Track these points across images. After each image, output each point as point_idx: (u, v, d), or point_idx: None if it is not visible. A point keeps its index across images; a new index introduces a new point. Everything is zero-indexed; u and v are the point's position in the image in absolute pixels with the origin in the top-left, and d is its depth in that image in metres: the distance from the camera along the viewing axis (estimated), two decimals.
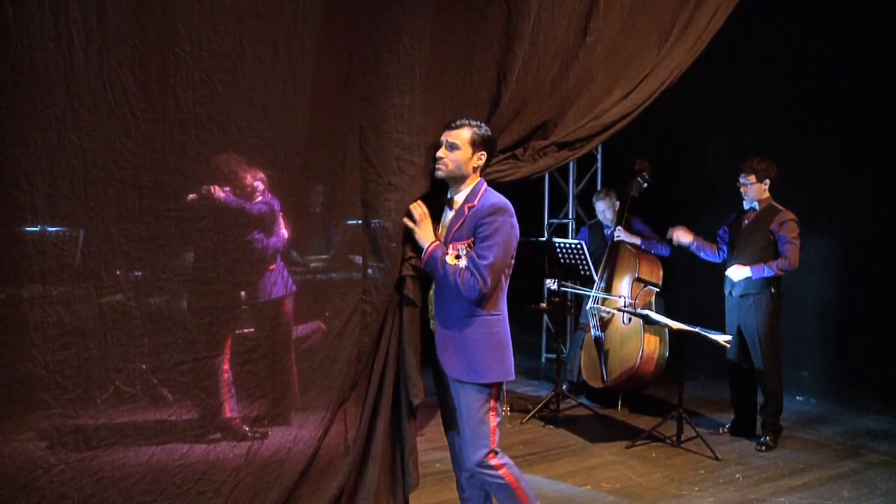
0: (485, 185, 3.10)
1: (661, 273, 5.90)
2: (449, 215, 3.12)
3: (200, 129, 2.57)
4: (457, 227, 3.02)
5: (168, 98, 2.50)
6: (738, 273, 5.11)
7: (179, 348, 2.68)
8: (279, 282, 4.80)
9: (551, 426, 5.54)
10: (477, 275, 2.91)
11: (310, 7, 2.78)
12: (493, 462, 3.01)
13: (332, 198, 3.07)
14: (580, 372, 6.16)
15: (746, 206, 5.23)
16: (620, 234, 6.01)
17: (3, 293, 2.34)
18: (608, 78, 3.54)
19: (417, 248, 3.08)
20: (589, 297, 6.07)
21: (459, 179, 3.06)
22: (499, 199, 3.03)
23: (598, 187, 7.20)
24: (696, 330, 4.87)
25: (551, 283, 6.08)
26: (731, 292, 5.22)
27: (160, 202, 2.55)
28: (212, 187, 3.83)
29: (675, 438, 5.12)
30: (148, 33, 2.45)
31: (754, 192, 5.14)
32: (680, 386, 5.12)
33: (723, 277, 5.28)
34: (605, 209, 6.24)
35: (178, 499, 2.66)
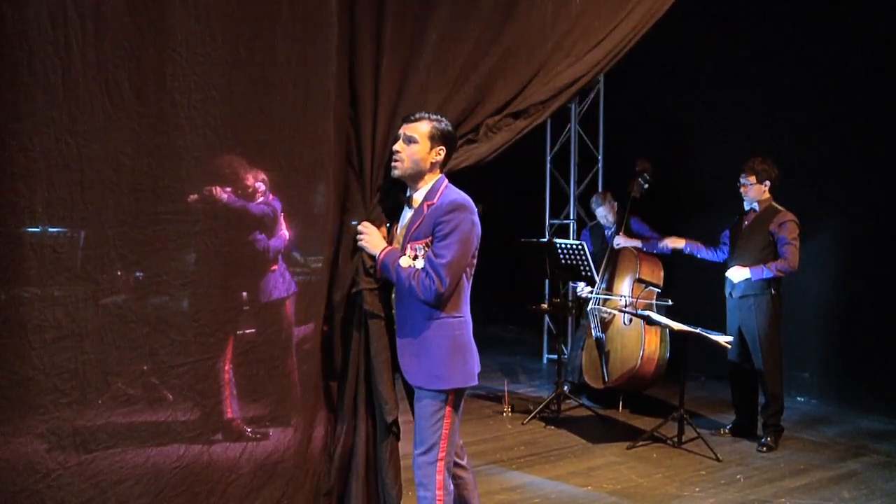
0: (445, 181, 2.97)
1: (661, 274, 5.88)
2: (408, 214, 2.99)
3: (195, 134, 2.54)
4: (415, 226, 2.89)
5: (164, 102, 2.48)
6: (737, 274, 5.09)
7: (180, 349, 2.65)
8: (280, 283, 4.79)
9: (552, 427, 5.53)
10: (433, 275, 2.78)
11: (309, 10, 2.76)
12: (438, 478, 2.87)
13: (334, 199, 3.03)
14: (581, 373, 6.14)
15: (746, 206, 5.22)
16: (620, 243, 5.98)
17: (4, 294, 2.32)
18: (562, 41, 3.33)
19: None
20: (590, 297, 6.04)
21: (417, 176, 2.93)
22: (459, 195, 2.90)
23: (600, 188, 7.17)
24: (697, 331, 4.85)
25: (579, 289, 6.05)
26: (731, 293, 5.20)
27: (158, 205, 2.53)
28: (213, 188, 3.83)
29: (676, 439, 5.10)
30: (145, 37, 2.43)
31: (754, 192, 5.12)
32: (681, 387, 5.10)
33: (723, 278, 5.26)
34: (605, 213, 6.21)
35: (175, 500, 2.64)
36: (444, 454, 2.89)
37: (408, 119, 2.92)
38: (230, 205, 3.85)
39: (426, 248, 2.84)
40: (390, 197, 3.03)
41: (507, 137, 3.23)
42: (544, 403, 5.79)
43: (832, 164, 6.02)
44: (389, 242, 3.01)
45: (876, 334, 5.82)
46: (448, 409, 2.89)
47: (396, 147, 2.90)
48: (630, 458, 4.88)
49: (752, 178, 5.09)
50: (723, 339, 4.78)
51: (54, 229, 2.41)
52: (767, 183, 5.09)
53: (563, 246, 5.80)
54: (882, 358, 5.77)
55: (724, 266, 5.27)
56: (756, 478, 4.55)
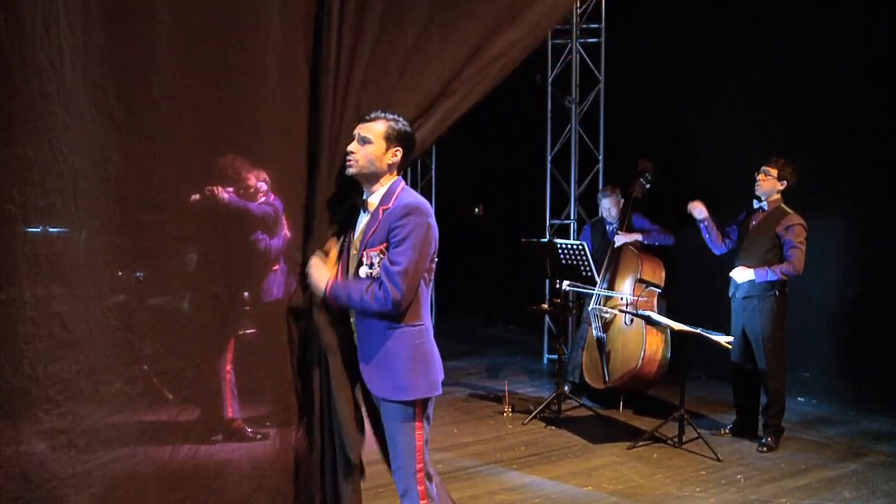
0: (401, 184, 2.88)
1: (663, 274, 5.88)
2: (364, 219, 2.90)
3: (179, 142, 2.55)
4: (371, 231, 2.81)
5: (151, 111, 2.48)
6: (741, 275, 5.08)
7: (182, 350, 2.65)
8: (282, 283, 4.80)
9: (553, 427, 5.52)
10: (388, 283, 2.70)
11: (298, 16, 2.75)
12: (420, 488, 2.85)
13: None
14: (582, 373, 6.14)
15: (756, 204, 5.19)
16: (620, 240, 6.00)
17: (4, 294, 2.31)
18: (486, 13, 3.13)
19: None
20: (591, 297, 6.05)
21: (372, 178, 2.84)
22: (414, 198, 2.82)
23: (600, 187, 7.17)
24: (698, 331, 4.85)
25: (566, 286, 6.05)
26: (734, 294, 5.19)
27: (151, 213, 2.53)
28: (215, 188, 3.82)
29: (676, 439, 5.10)
30: (132, 47, 2.43)
31: (768, 185, 5.06)
32: (681, 387, 5.11)
33: (726, 278, 5.26)
34: (610, 206, 6.22)
35: (174, 500, 2.64)
36: (421, 465, 2.86)
37: (363, 119, 2.84)
38: (231, 205, 3.85)
39: (382, 255, 2.78)
40: (347, 200, 2.97)
41: (436, 124, 3.06)
42: (545, 403, 5.79)
43: (834, 163, 6.00)
44: (346, 249, 2.94)
45: (878, 334, 5.81)
46: (418, 419, 2.85)
47: (351, 147, 2.82)
48: (631, 459, 4.88)
49: (775, 172, 5.04)
50: (723, 340, 4.78)
51: (54, 229, 2.41)
52: (784, 183, 5.06)
53: (564, 246, 5.81)
54: (883, 358, 5.77)
55: (727, 265, 5.27)
56: (756, 478, 4.56)
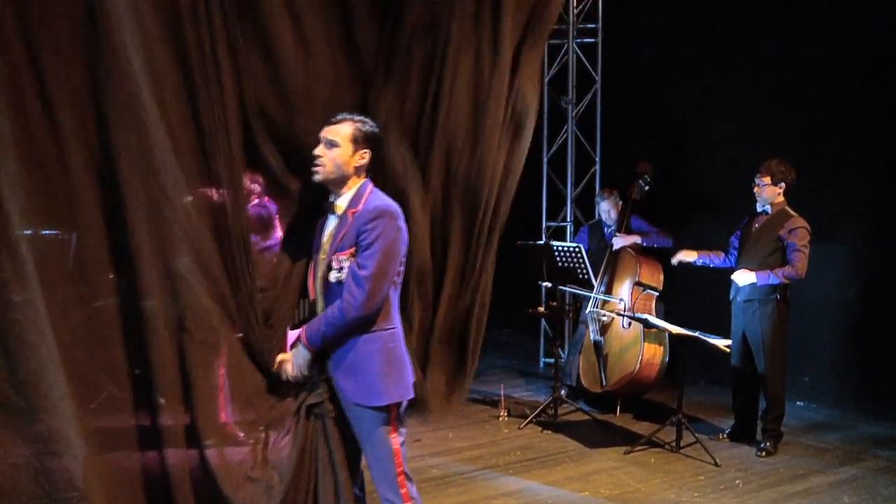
0: (370, 186, 2.88)
1: (661, 277, 5.88)
2: (332, 223, 2.89)
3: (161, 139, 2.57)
4: (341, 235, 2.82)
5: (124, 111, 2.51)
6: (743, 278, 5.07)
7: (174, 352, 2.65)
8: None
9: (549, 431, 5.52)
10: (355, 289, 2.72)
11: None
12: (402, 491, 2.86)
13: None
14: (579, 376, 6.14)
15: (759, 208, 5.17)
16: (618, 242, 6.00)
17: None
18: None
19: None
20: (588, 300, 6.05)
21: (340, 182, 2.85)
22: (383, 201, 2.83)
23: (598, 189, 7.18)
24: (696, 334, 4.85)
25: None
26: (735, 297, 5.18)
27: (143, 209, 2.55)
28: (209, 190, 3.81)
29: (674, 444, 5.10)
30: (94, 51, 2.45)
31: (768, 193, 5.07)
32: (679, 391, 5.10)
33: (725, 281, 5.26)
34: (609, 209, 6.22)
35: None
36: (400, 468, 2.87)
37: (328, 122, 2.83)
38: (224, 206, 3.82)
39: (352, 259, 2.78)
40: (307, 201, 2.98)
41: None
42: (541, 408, 5.78)
43: (834, 163, 5.99)
44: (315, 252, 2.95)
45: (878, 337, 5.80)
46: (392, 424, 2.86)
47: (317, 151, 2.81)
48: (628, 463, 4.88)
49: (768, 179, 5.05)
50: (721, 343, 4.79)
51: (49, 230, 2.44)
52: (783, 185, 5.05)
53: (561, 248, 5.80)
54: (884, 361, 5.76)
55: (726, 268, 5.28)
56: (755, 483, 4.56)
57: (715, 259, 5.37)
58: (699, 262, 5.40)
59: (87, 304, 2.51)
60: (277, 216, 4.48)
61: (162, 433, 2.65)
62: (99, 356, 2.52)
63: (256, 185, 4.61)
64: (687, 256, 5.41)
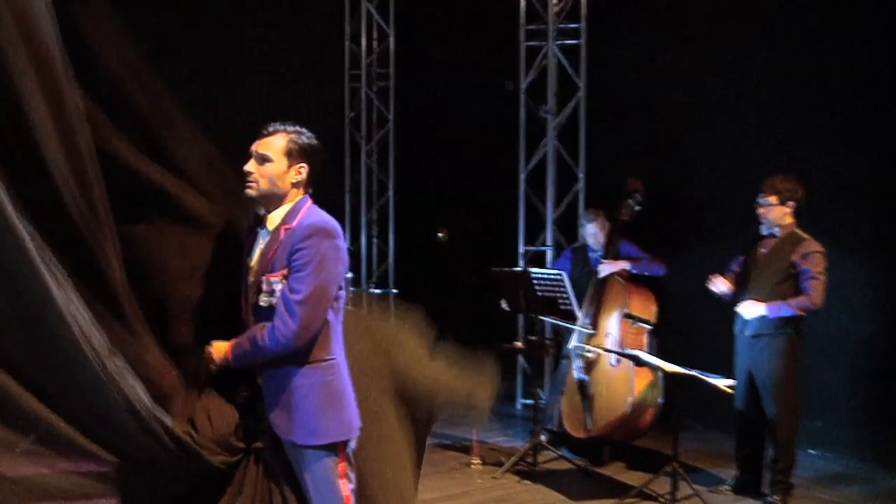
0: (308, 202, 2.90)
1: (654, 308, 5.82)
2: (262, 240, 2.90)
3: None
4: (271, 253, 2.81)
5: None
6: (751, 310, 4.96)
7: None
8: None
9: (528, 481, 5.46)
10: (286, 316, 2.70)
11: None
12: None
13: None
14: (561, 420, 6.07)
15: (765, 231, 5.09)
16: (605, 269, 5.95)
17: None
18: None
19: None
20: (572, 334, 5.98)
21: (275, 199, 2.87)
22: (320, 217, 2.84)
23: (582, 210, 7.13)
24: (694, 373, 4.77)
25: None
26: (741, 331, 5.09)
27: None
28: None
29: (669, 496, 4.99)
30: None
31: (775, 215, 4.99)
32: (675, 437, 5.01)
33: (727, 314, 5.17)
34: (595, 232, 6.17)
35: None
36: None
37: (261, 134, 2.86)
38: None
39: (284, 281, 2.77)
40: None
41: None
42: (519, 455, 5.73)
43: (844, 178, 5.92)
44: (246, 273, 2.93)
45: None
46: (341, 465, 2.85)
47: (248, 167, 2.83)
48: None
49: (774, 199, 4.96)
50: (723, 384, 4.69)
51: None
52: (791, 204, 4.97)
53: (540, 276, 5.75)
54: None
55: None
56: None
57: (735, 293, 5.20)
58: (730, 296, 5.21)
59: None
60: None
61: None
62: None
63: None
64: (723, 285, 5.17)
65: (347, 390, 2.89)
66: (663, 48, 7.02)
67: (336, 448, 2.83)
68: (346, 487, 2.85)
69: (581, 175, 7.48)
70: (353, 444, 2.91)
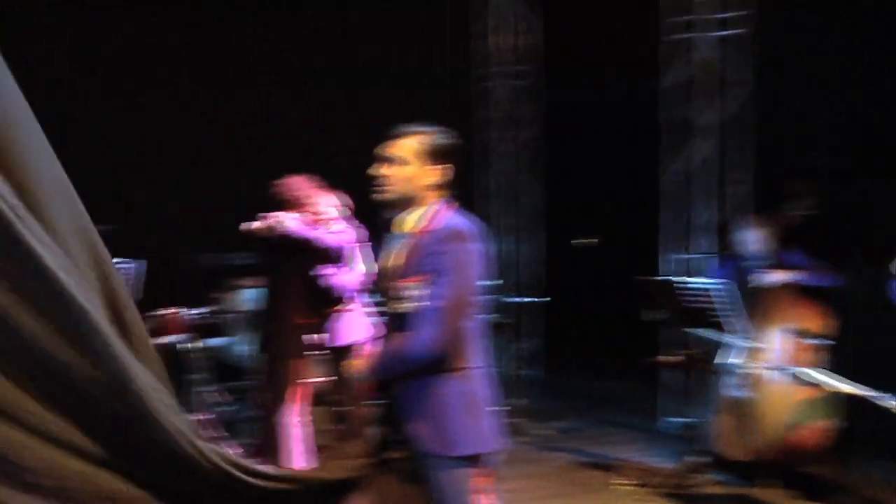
0: (444, 205, 2.85)
1: (826, 321, 5.49)
2: (398, 244, 2.87)
3: None
4: (409, 259, 2.79)
5: None
6: None
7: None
8: (358, 325, 4.73)
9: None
10: (426, 323, 2.67)
11: None
12: None
13: None
14: (713, 440, 5.83)
15: None
16: (770, 279, 5.66)
17: None
18: None
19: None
20: (730, 349, 5.70)
21: (409, 202, 2.85)
22: (458, 220, 2.78)
23: (740, 215, 6.77)
24: (872, 394, 4.32)
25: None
26: None
27: None
28: (277, 215, 3.88)
29: None
30: None
31: None
32: (848, 464, 4.76)
33: None
34: (756, 239, 5.87)
35: None
36: None
37: (391, 136, 2.84)
38: (294, 234, 3.87)
39: (420, 287, 2.72)
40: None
41: None
42: (667, 475, 5.62)
43: None
44: (380, 278, 2.99)
45: None
46: (476, 479, 2.80)
47: (378, 171, 2.82)
48: None
49: None
50: None
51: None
52: None
53: (687, 286, 5.56)
54: None
55: None
56: None
57: None
58: None
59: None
60: (360, 244, 4.45)
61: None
62: None
63: (334, 209, 4.61)
64: None
65: (486, 402, 2.83)
66: (841, 32, 6.61)
67: (470, 460, 2.77)
68: (479, 502, 2.80)
69: (745, 178, 7.11)
70: (489, 459, 2.85)
